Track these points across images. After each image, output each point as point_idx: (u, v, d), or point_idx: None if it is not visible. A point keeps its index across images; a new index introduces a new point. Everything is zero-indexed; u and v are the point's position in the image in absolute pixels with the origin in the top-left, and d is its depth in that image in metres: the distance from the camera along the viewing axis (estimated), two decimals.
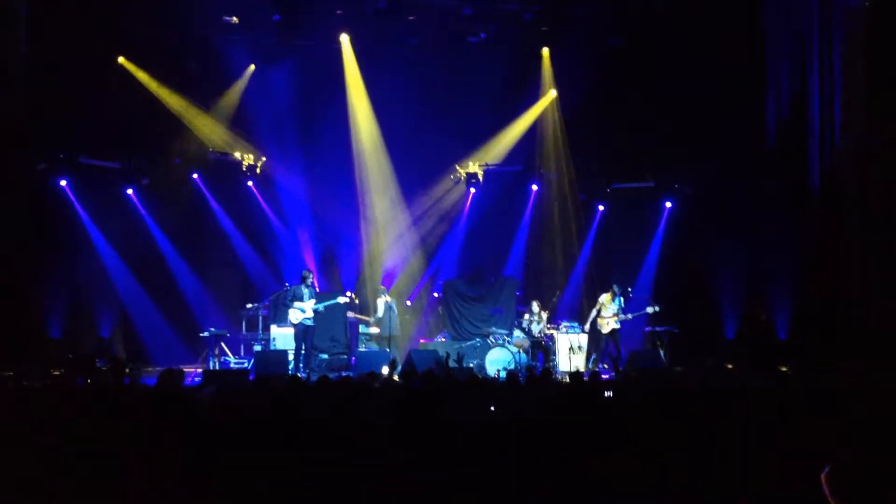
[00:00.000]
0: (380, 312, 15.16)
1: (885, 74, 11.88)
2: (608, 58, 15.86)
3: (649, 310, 14.85)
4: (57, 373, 12.77)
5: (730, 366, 14.08)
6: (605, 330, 14.82)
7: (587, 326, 15.02)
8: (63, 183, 14.94)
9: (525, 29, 15.85)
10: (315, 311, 14.00)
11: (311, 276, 14.46)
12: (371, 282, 16.91)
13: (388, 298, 15.23)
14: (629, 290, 15.38)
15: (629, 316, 14.87)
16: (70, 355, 13.28)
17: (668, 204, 16.48)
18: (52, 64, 14.03)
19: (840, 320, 12.64)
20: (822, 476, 3.33)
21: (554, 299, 15.66)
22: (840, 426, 5.36)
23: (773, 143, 14.20)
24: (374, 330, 15.34)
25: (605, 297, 14.98)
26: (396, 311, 15.23)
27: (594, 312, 14.98)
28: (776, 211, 14.12)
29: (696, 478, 4.64)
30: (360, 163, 16.80)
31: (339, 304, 14.68)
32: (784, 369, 13.09)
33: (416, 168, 16.97)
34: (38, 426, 5.19)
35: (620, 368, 13.80)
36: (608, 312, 14.83)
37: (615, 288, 14.95)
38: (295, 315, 13.91)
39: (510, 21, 15.60)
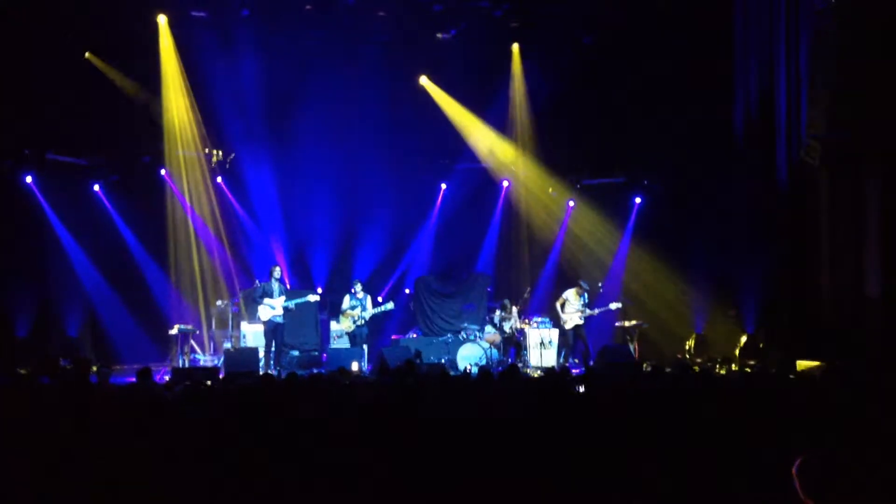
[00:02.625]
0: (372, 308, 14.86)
1: (850, 72, 12.03)
2: (578, 54, 15.93)
3: (612, 306, 14.94)
4: (23, 372, 12.62)
5: (699, 360, 14.25)
6: (569, 326, 14.81)
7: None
8: (29, 179, 14.73)
9: (495, 25, 15.86)
10: (286, 308, 13.93)
11: (279, 270, 14.36)
12: (343, 279, 16.87)
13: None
14: (599, 285, 15.47)
15: (595, 311, 14.92)
16: (35, 354, 13.14)
17: (638, 200, 16.59)
18: (17, 59, 13.84)
19: (807, 317, 12.81)
20: (793, 470, 3.36)
21: (525, 295, 15.72)
22: (810, 422, 5.44)
23: (741, 141, 14.34)
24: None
25: (570, 293, 14.96)
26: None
27: (557, 307, 14.98)
28: (745, 207, 14.26)
29: (670, 474, 4.67)
30: (334, 159, 16.74)
31: (309, 301, 14.60)
32: (752, 362, 13.30)
33: (387, 164, 16.92)
34: (3, 424, 5.13)
35: (591, 364, 13.91)
36: (572, 308, 14.85)
37: (582, 284, 14.98)
38: (265, 312, 13.83)
39: (480, 17, 15.60)
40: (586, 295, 14.91)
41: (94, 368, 11.01)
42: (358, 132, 16.69)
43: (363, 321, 14.61)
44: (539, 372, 13.78)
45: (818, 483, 3.32)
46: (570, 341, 14.90)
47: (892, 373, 9.26)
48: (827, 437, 5.05)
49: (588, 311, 14.82)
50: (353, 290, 14.83)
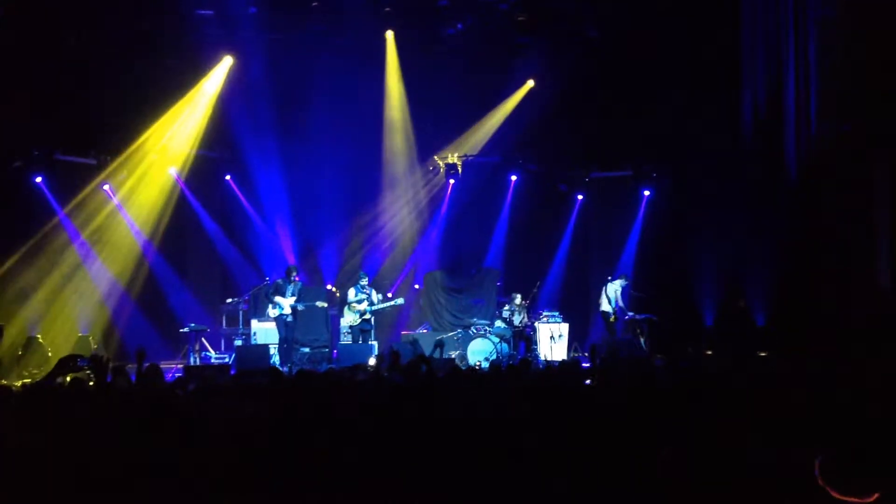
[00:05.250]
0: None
1: (858, 64, 12.00)
2: (585, 48, 15.90)
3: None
4: (36, 371, 12.70)
5: (709, 352, 14.23)
6: (612, 319, 15.11)
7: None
8: (38, 179, 14.78)
9: (501, 19, 15.85)
10: (293, 308, 13.87)
11: (296, 272, 14.28)
12: (352, 275, 16.88)
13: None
14: (609, 279, 15.50)
15: (612, 307, 15.10)
16: (50, 354, 13.23)
17: (647, 193, 16.56)
18: (24, 59, 13.88)
19: (817, 308, 12.79)
20: (815, 464, 3.35)
21: (534, 289, 15.73)
22: (821, 416, 5.42)
23: (749, 135, 14.29)
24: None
25: (614, 286, 15.23)
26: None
27: (615, 297, 15.20)
28: (754, 200, 14.24)
29: (685, 470, 4.67)
30: (341, 156, 16.77)
31: (316, 307, 14.52)
32: (763, 354, 13.27)
33: (395, 160, 16.95)
34: (21, 426, 5.16)
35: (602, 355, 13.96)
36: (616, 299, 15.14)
37: (625, 276, 15.23)
38: (272, 311, 13.81)
39: (486, 12, 15.59)
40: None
41: (111, 366, 11.04)
42: (365, 127, 16.71)
43: (369, 315, 14.50)
44: (549, 366, 13.79)
45: (843, 477, 3.31)
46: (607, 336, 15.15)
47: None
48: (840, 432, 5.04)
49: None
50: (359, 283, 14.67)
